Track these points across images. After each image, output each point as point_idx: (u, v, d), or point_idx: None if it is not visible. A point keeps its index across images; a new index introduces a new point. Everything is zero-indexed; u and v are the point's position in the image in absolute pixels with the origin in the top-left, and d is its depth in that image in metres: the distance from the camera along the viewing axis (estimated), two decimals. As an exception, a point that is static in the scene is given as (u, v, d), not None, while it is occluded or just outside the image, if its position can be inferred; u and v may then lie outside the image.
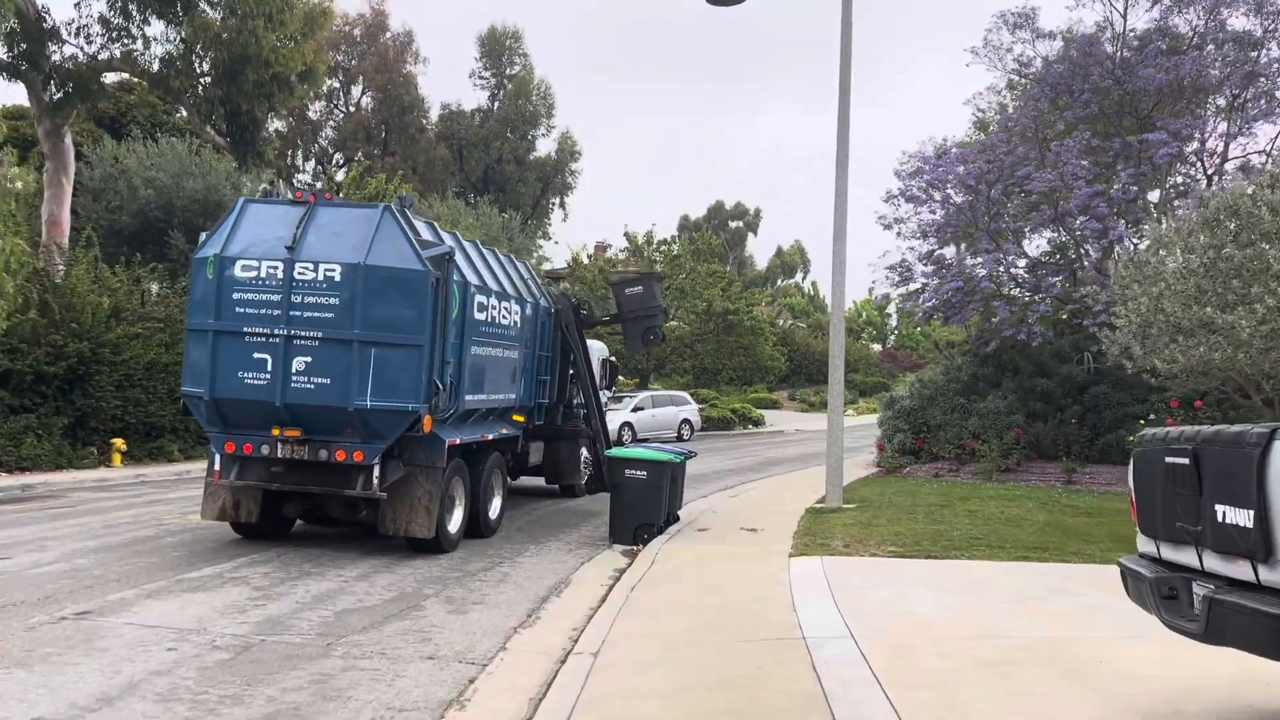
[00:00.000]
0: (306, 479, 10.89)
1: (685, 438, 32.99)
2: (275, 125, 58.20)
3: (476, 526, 12.54)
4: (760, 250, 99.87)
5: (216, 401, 10.57)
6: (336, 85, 58.71)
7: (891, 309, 78.66)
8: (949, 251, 20.80)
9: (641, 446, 14.61)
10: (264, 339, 10.43)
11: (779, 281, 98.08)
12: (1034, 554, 11.36)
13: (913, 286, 21.57)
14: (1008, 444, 20.20)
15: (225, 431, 10.77)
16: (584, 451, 17.37)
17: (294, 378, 10.40)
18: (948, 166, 18.96)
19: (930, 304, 20.71)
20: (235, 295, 10.52)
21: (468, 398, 11.86)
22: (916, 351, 69.72)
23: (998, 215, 19.74)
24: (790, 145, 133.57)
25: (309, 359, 10.40)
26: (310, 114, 58.56)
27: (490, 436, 12.73)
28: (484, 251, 13.26)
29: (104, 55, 21.88)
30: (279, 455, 10.66)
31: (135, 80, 21.81)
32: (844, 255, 15.42)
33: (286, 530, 12.27)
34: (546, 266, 47.43)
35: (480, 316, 12.09)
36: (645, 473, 12.70)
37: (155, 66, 21.81)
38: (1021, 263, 20.75)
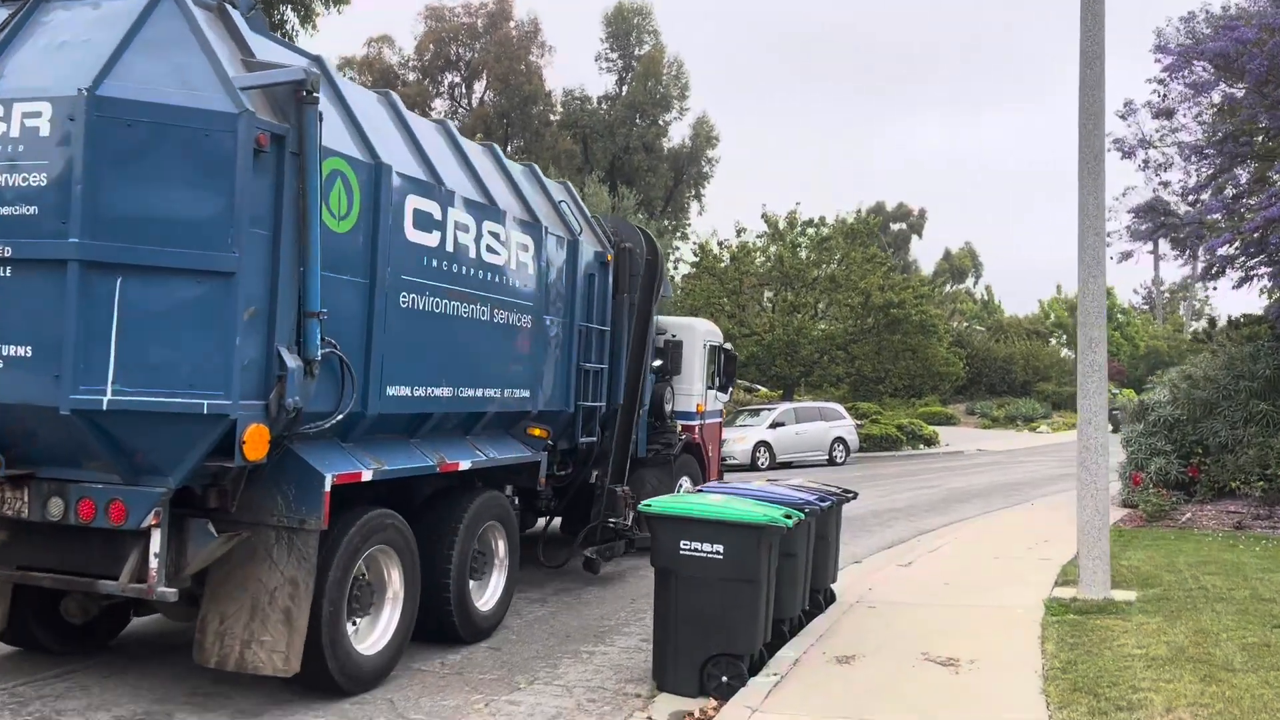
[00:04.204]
0: (40, 557, 5.39)
1: (839, 461, 26.27)
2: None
3: (448, 624, 6.86)
4: (925, 255, 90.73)
5: None
6: (458, 80, 55.53)
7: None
8: (1242, 176, 13.57)
9: (751, 488, 7.84)
10: (-91, 264, 5.01)
11: (948, 287, 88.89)
12: None
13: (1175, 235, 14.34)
14: (1349, 474, 12.92)
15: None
16: (684, 482, 11.71)
17: (-36, 345, 4.93)
18: (1263, 16, 11.69)
19: (1225, 252, 13.44)
20: None
21: (395, 391, 6.15)
22: (1117, 357, 59.92)
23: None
24: (945, 150, 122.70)
25: (-11, 304, 4.90)
26: (433, 113, 55.47)
27: (465, 465, 6.94)
28: (456, 137, 7.52)
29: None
30: (-23, 509, 5.20)
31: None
32: (1102, 172, 8.85)
33: (112, 635, 6.82)
34: (684, 271, 41.58)
35: (424, 240, 6.35)
36: (721, 548, 6.20)
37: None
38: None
